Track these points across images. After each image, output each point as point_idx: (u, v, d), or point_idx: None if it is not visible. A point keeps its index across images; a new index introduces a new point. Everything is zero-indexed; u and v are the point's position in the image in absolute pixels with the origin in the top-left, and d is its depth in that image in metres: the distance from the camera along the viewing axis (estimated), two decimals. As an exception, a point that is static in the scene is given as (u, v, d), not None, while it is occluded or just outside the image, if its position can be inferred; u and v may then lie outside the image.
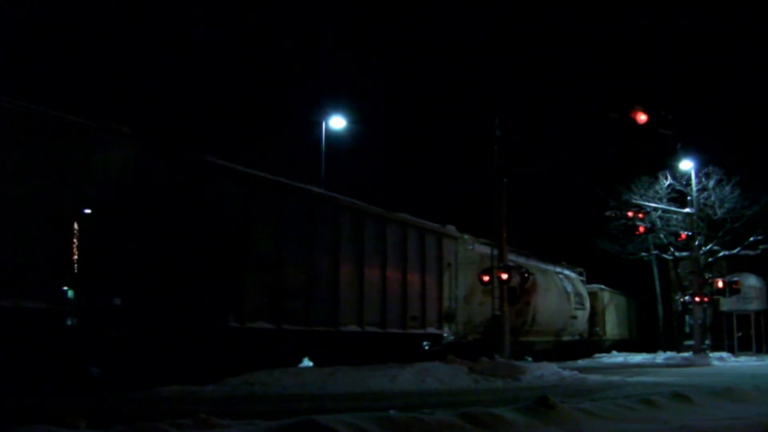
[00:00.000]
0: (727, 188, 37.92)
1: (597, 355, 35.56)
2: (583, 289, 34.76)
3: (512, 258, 26.67)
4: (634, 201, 34.52)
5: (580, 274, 36.30)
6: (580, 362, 29.00)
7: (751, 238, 38.37)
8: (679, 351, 35.35)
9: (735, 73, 59.48)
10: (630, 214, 30.02)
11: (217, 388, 12.67)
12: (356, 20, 65.23)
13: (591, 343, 36.48)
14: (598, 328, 38.09)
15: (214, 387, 12.73)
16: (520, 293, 24.52)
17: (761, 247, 39.12)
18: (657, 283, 44.38)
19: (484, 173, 23.52)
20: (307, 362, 17.37)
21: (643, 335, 46.79)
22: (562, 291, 31.33)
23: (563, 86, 58.98)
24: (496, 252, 24.56)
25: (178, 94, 49.83)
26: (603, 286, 40.21)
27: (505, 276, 21.63)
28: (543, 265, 31.07)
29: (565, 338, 32.29)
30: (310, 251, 16.53)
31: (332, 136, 27.68)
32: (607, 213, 31.34)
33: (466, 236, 25.16)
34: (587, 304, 34.81)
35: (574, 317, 32.60)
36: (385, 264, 19.15)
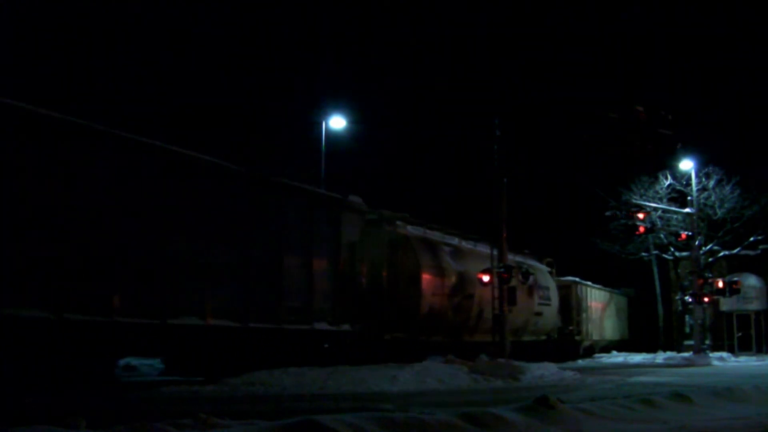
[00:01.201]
0: (727, 188, 38.00)
1: (597, 355, 35.52)
2: (550, 282, 29.92)
3: (454, 243, 24.21)
4: (634, 201, 34.55)
5: (549, 265, 31.51)
6: (580, 362, 29.13)
7: (751, 238, 38.42)
8: (679, 351, 35.39)
9: (735, 73, 59.58)
10: (630, 214, 30.02)
11: (217, 388, 12.72)
12: (356, 20, 65.30)
13: (562, 345, 31.34)
14: (571, 327, 32.99)
15: (214, 387, 12.78)
16: (462, 284, 22.07)
17: (761, 247, 39.16)
18: (657, 283, 44.34)
19: (484, 173, 23.24)
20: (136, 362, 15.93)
21: (639, 335, 43.98)
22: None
23: (563, 86, 58.97)
24: (435, 236, 23.50)
25: (179, 94, 49.92)
26: (579, 279, 34.84)
27: (505, 276, 21.67)
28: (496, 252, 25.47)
29: (527, 338, 27.44)
30: (118, 217, 12.55)
31: (332, 136, 27.71)
32: (607, 213, 31.30)
33: (385, 212, 21.09)
34: (555, 299, 29.89)
35: (539, 314, 27.77)
36: (248, 239, 15.20)
